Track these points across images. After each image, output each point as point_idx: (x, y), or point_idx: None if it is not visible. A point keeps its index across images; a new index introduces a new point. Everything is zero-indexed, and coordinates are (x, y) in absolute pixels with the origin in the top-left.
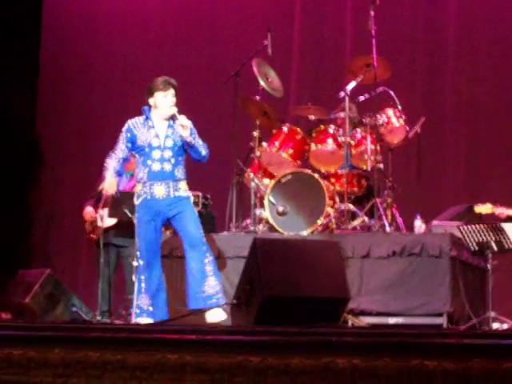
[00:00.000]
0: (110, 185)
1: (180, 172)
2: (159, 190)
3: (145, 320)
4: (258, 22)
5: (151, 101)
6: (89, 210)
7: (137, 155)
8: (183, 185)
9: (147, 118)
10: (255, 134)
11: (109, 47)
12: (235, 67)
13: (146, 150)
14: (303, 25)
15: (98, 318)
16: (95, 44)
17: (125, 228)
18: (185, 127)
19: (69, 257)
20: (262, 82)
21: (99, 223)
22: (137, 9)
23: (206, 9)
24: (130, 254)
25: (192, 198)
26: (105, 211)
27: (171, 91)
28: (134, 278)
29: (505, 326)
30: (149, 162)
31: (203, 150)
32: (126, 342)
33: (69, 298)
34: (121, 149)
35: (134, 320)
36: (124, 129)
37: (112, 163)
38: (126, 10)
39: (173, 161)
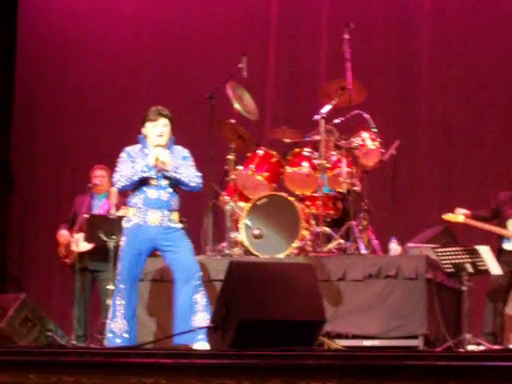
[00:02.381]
0: None
1: (175, 203)
2: (153, 218)
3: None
4: (233, 45)
5: (143, 130)
6: (63, 233)
7: None
8: (176, 216)
9: (143, 147)
10: (230, 157)
11: (82, 76)
12: (210, 90)
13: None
14: (278, 48)
15: (74, 342)
16: (67, 78)
17: (100, 252)
18: (161, 163)
19: (43, 280)
20: (236, 105)
21: (74, 248)
22: (111, 31)
23: (180, 32)
24: (106, 278)
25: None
26: (80, 235)
27: (161, 121)
28: (109, 301)
29: (481, 348)
30: (145, 189)
31: (191, 183)
32: (101, 366)
33: (44, 323)
34: (126, 168)
35: (108, 344)
36: (123, 154)
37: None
38: (99, 34)
39: (169, 190)
